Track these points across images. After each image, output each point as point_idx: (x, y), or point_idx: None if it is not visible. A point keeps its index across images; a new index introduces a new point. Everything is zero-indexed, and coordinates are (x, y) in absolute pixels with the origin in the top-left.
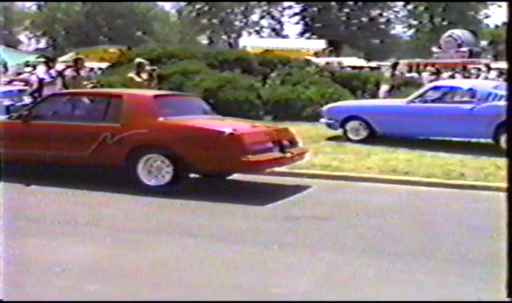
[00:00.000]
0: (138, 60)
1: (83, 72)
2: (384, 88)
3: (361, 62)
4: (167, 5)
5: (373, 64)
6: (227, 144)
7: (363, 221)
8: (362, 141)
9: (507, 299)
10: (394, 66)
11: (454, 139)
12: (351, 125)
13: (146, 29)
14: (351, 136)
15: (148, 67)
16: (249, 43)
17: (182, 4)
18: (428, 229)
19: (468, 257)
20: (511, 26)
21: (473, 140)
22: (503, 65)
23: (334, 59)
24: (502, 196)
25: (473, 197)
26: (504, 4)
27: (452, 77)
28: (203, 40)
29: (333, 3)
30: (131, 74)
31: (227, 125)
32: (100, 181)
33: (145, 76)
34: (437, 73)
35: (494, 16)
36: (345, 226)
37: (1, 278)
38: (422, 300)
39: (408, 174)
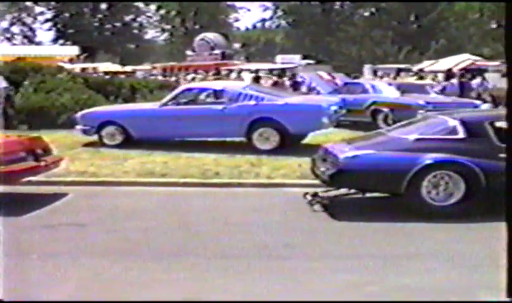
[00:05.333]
0: None
1: None
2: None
3: (116, 67)
4: None
5: (129, 68)
6: None
7: (123, 225)
8: (119, 146)
9: (507, 299)
10: None
11: (209, 139)
12: (106, 130)
13: None
14: (107, 141)
15: None
16: (0, 51)
17: None
18: (187, 228)
19: (225, 252)
20: (509, 26)
21: (228, 139)
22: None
23: (89, 65)
24: (259, 191)
25: (229, 195)
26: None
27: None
28: None
29: (86, 9)
30: None
31: None
32: None
33: None
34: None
35: (244, 19)
36: (105, 231)
37: (1, 278)
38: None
39: (165, 176)
